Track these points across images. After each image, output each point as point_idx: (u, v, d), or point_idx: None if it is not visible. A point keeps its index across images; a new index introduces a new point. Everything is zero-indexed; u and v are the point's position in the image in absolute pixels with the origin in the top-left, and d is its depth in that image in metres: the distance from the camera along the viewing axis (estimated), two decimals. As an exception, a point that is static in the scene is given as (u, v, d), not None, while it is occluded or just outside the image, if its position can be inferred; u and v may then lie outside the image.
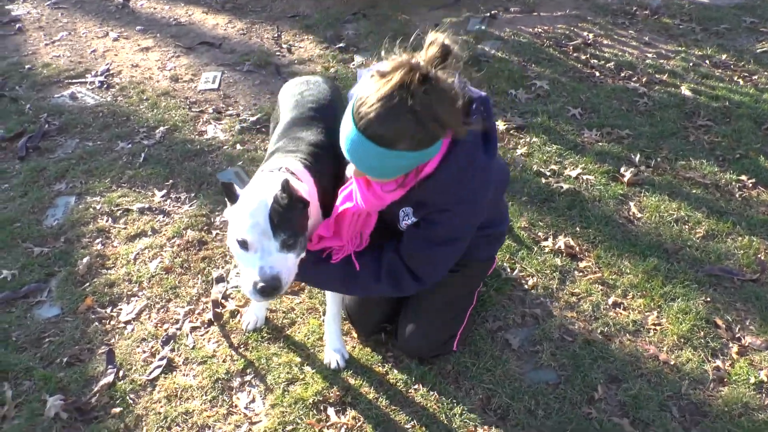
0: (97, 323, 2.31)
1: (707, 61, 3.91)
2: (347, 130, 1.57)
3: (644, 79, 3.73)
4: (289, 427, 1.92)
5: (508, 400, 1.98)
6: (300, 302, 2.37)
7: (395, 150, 1.53)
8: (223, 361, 2.15)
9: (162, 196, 2.93)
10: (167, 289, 2.44)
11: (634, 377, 2.05)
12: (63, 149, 3.32)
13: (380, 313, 2.17)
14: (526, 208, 2.77)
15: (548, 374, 2.07)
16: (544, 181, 2.94)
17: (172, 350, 2.20)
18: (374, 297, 2.09)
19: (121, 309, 2.37)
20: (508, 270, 2.46)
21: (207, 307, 2.36)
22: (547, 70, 3.85)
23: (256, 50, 4.31)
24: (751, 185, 2.88)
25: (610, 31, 4.36)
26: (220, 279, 2.48)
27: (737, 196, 2.83)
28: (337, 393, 2.02)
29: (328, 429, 1.92)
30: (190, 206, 2.87)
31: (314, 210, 1.81)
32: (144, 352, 2.20)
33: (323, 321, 2.21)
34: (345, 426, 1.92)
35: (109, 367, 2.13)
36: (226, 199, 1.71)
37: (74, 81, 3.98)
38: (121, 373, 2.12)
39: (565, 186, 2.87)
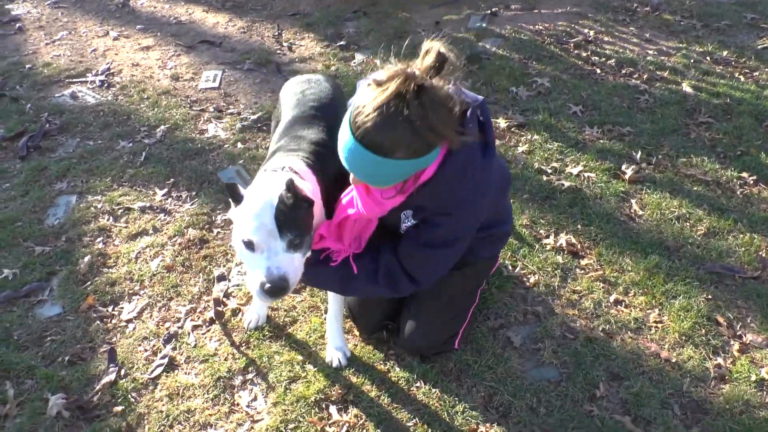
0: (98, 322, 2.31)
1: (708, 58, 3.90)
2: (345, 139, 1.58)
3: (645, 76, 3.72)
4: (291, 426, 1.92)
5: (509, 397, 1.99)
6: (302, 300, 2.37)
7: (392, 158, 1.54)
8: (225, 360, 2.15)
9: (163, 195, 2.94)
10: (169, 287, 2.45)
11: (635, 375, 2.05)
12: (64, 148, 3.32)
13: (382, 312, 2.17)
14: (527, 206, 2.77)
15: (550, 372, 2.08)
16: (545, 178, 2.94)
17: (174, 349, 2.21)
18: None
19: (122, 308, 2.37)
20: (510, 268, 2.46)
21: (208, 306, 2.36)
22: (548, 68, 3.85)
23: (256, 48, 4.31)
24: (752, 182, 2.88)
25: (611, 28, 4.35)
26: (222, 277, 2.48)
27: (738, 193, 2.82)
28: (339, 391, 2.02)
29: (330, 427, 1.92)
30: (191, 205, 2.87)
31: (318, 209, 1.81)
32: (146, 350, 2.21)
33: (325, 319, 2.21)
34: (347, 424, 1.93)
35: (111, 365, 2.13)
36: (230, 200, 1.70)
37: (75, 80, 3.98)
38: (122, 372, 2.12)
39: (567, 183, 2.87)
